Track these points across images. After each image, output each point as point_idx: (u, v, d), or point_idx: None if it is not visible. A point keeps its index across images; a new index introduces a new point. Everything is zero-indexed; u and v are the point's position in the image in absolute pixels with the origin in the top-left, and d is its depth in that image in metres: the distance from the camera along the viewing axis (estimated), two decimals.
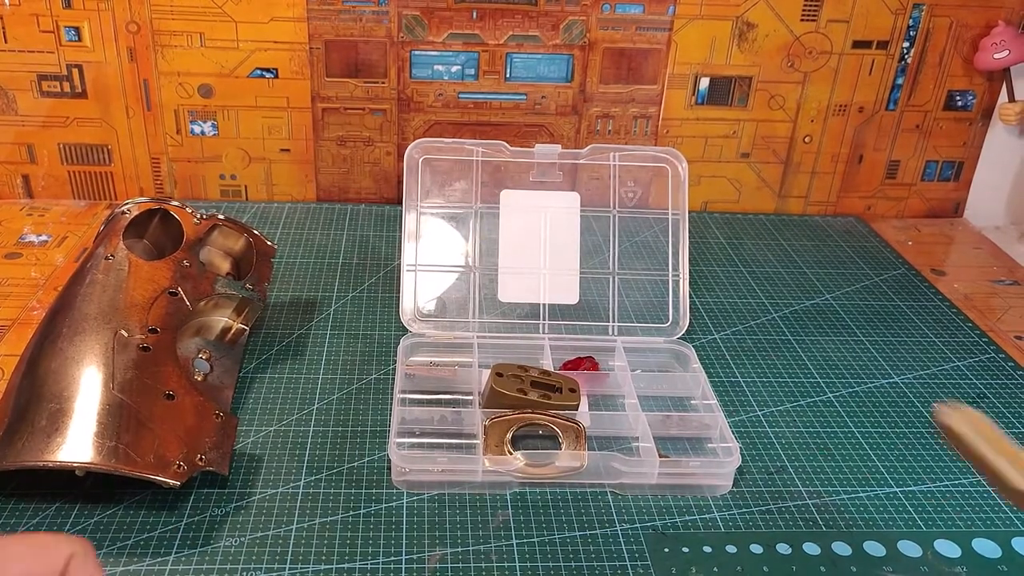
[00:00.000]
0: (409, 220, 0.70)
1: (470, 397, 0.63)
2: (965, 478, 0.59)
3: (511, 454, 0.56)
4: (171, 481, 0.50)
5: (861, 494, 0.57)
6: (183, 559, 0.49)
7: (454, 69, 0.88)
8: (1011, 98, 0.92)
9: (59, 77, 0.86)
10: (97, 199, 0.92)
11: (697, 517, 0.54)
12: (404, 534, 0.52)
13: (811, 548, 0.52)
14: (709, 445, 0.60)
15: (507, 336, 0.68)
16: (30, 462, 0.48)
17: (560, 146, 0.70)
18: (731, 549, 0.52)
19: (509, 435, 0.57)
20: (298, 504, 0.53)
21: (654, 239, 0.72)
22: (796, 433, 0.62)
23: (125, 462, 0.49)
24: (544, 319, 0.69)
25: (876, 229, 0.95)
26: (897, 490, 0.57)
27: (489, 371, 0.61)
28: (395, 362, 0.65)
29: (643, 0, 0.87)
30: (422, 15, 0.86)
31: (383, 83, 0.89)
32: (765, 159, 0.95)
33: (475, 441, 0.57)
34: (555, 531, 0.52)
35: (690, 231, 0.70)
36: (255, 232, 0.69)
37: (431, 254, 0.70)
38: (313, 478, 0.55)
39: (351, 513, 0.53)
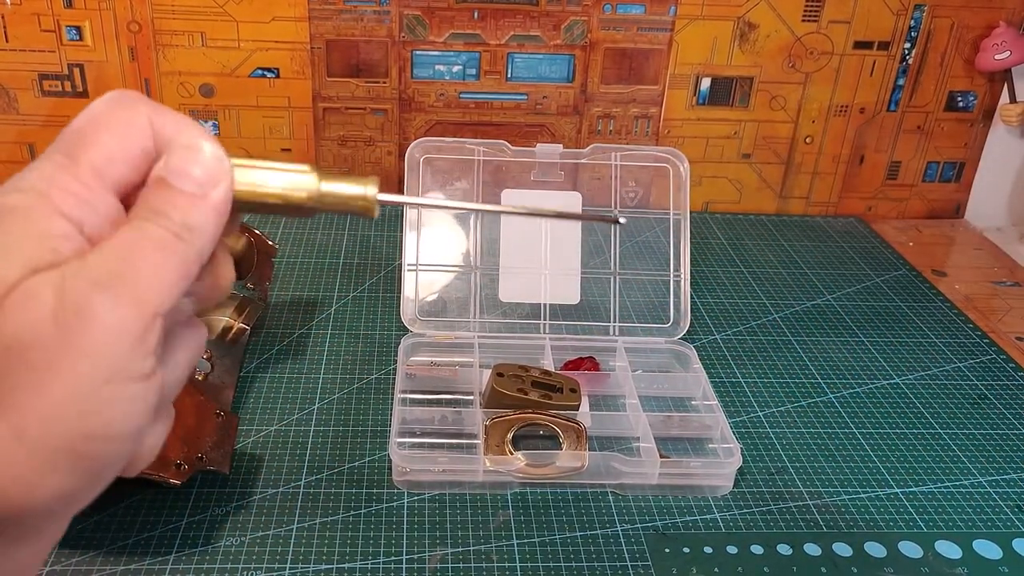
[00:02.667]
0: (410, 220, 0.70)
1: (471, 397, 0.63)
2: (966, 479, 0.59)
3: (512, 454, 0.56)
4: (172, 480, 0.50)
5: (862, 495, 0.57)
6: (184, 558, 0.49)
7: (455, 69, 0.88)
8: (1012, 99, 0.92)
9: (60, 76, 0.86)
10: None
11: (698, 517, 0.54)
12: (405, 534, 0.52)
13: (812, 549, 0.52)
14: (710, 445, 0.60)
15: (508, 336, 0.68)
16: None
17: (561, 146, 0.70)
18: (732, 549, 0.52)
19: (510, 435, 0.57)
20: (299, 504, 0.53)
21: (655, 239, 0.72)
22: (797, 434, 0.62)
23: None
24: (545, 319, 0.69)
25: (877, 230, 0.95)
26: (898, 491, 0.57)
27: (490, 371, 0.61)
28: (396, 362, 0.65)
29: (644, 0, 0.87)
30: (423, 15, 0.86)
31: (384, 83, 0.89)
32: (766, 160, 0.95)
33: (476, 441, 0.57)
34: (556, 531, 0.52)
35: (691, 231, 0.70)
36: (256, 232, 0.69)
37: (432, 254, 0.70)
38: (314, 478, 0.55)
39: (352, 513, 0.53)
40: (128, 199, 0.26)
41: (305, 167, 0.28)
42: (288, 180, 0.28)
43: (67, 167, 0.25)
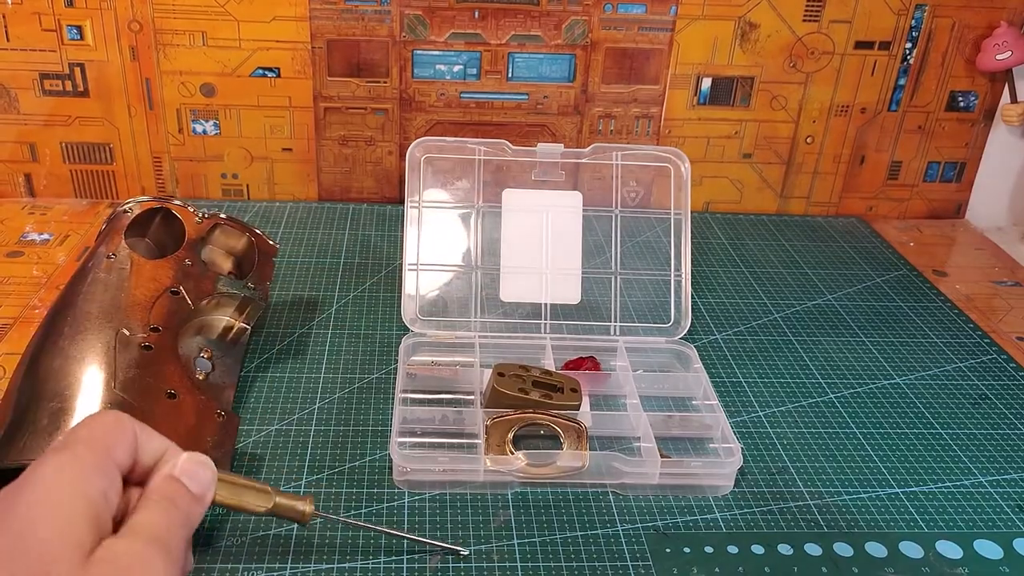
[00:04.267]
0: (411, 219, 0.70)
1: (471, 397, 0.63)
2: (967, 479, 0.59)
3: (512, 454, 0.56)
4: None
5: (863, 495, 0.57)
6: None
7: (456, 69, 0.88)
8: (1013, 99, 0.92)
9: (61, 76, 0.86)
10: (99, 198, 0.92)
11: (699, 517, 0.54)
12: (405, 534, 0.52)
13: (813, 549, 0.52)
14: (711, 445, 0.60)
15: (509, 336, 0.68)
16: (31, 461, 0.48)
17: (562, 145, 0.70)
18: (733, 549, 0.52)
19: (510, 435, 0.57)
20: None
21: (656, 239, 0.72)
22: (798, 433, 0.62)
23: None
24: (546, 319, 0.69)
25: (878, 230, 0.95)
26: (899, 491, 0.57)
27: (491, 371, 0.61)
28: (396, 362, 0.65)
29: (645, 0, 0.86)
30: (424, 14, 0.86)
31: (385, 83, 0.89)
32: (767, 159, 0.95)
33: (476, 441, 0.57)
34: (556, 531, 0.52)
35: (692, 231, 0.70)
36: (257, 231, 0.69)
37: (433, 253, 0.70)
38: (314, 477, 0.55)
39: (352, 513, 0.53)
40: None
41: (267, 488, 0.44)
42: (252, 497, 0.43)
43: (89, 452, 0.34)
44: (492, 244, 0.70)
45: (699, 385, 0.64)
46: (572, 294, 0.69)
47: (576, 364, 0.66)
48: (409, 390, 0.63)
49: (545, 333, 0.68)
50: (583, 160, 0.70)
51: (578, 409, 0.60)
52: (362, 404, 0.63)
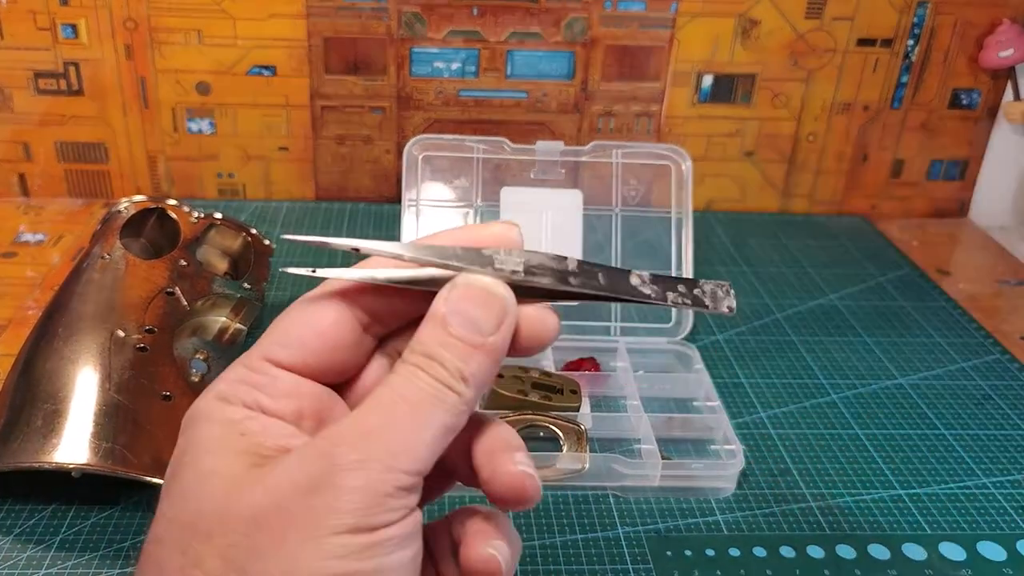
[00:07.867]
0: (408, 218, 0.69)
1: None
2: (970, 480, 0.58)
3: None
4: None
5: (865, 496, 0.56)
6: None
7: (454, 66, 0.88)
8: (1016, 96, 0.91)
9: (56, 74, 0.85)
10: (94, 198, 0.91)
11: (700, 520, 0.54)
12: None
13: (815, 551, 0.52)
14: (712, 447, 0.60)
15: None
16: (25, 463, 0.48)
17: (562, 143, 0.69)
18: (734, 552, 0.51)
19: None
20: None
21: (657, 238, 0.72)
22: (800, 435, 0.62)
23: (121, 463, 0.48)
24: None
25: (881, 229, 0.94)
26: (901, 492, 0.57)
27: None
28: None
29: None
30: (422, 12, 0.85)
31: (382, 81, 0.88)
32: (769, 157, 0.95)
33: None
34: (556, 534, 0.52)
35: (693, 230, 0.70)
36: (253, 231, 0.69)
37: None
38: None
39: None
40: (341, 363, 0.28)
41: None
42: None
43: (241, 360, 0.29)
44: None
45: (700, 386, 0.64)
46: None
47: (576, 365, 0.65)
48: None
49: None
50: (583, 158, 0.70)
51: (578, 411, 0.59)
52: None
